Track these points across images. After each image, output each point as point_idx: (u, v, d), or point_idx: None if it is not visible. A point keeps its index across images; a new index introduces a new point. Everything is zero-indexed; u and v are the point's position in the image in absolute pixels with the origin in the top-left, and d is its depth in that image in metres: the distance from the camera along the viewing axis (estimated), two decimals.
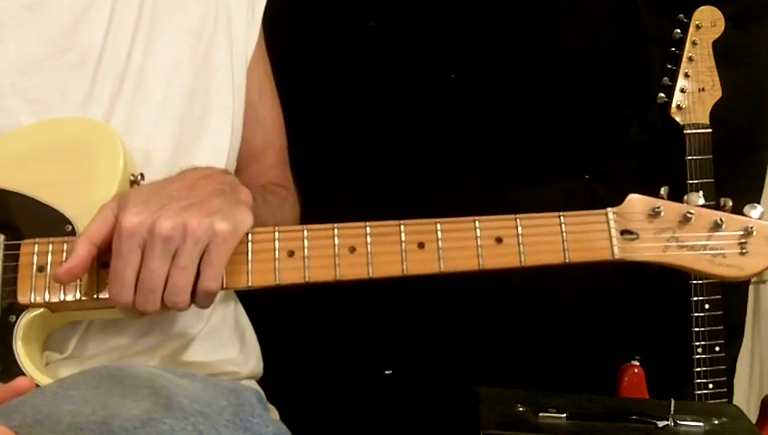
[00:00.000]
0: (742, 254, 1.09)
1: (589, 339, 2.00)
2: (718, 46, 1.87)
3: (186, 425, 0.79)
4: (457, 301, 1.95)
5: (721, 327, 1.87)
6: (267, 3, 1.36)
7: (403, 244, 1.06)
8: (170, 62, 1.22)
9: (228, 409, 0.84)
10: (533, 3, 1.89)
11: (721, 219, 1.09)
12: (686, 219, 1.09)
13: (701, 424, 1.47)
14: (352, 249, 1.06)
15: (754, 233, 1.09)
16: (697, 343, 1.87)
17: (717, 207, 1.11)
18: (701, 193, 1.11)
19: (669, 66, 1.89)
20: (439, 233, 1.07)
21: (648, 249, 1.10)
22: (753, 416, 1.86)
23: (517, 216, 1.08)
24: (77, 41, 1.16)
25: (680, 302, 1.89)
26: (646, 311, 2.00)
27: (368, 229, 1.06)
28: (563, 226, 1.08)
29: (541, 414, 1.48)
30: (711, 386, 1.87)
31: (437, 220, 1.07)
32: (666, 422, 1.46)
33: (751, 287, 2.13)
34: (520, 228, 1.08)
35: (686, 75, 1.87)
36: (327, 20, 1.88)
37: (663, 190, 1.11)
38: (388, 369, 1.98)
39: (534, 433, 1.45)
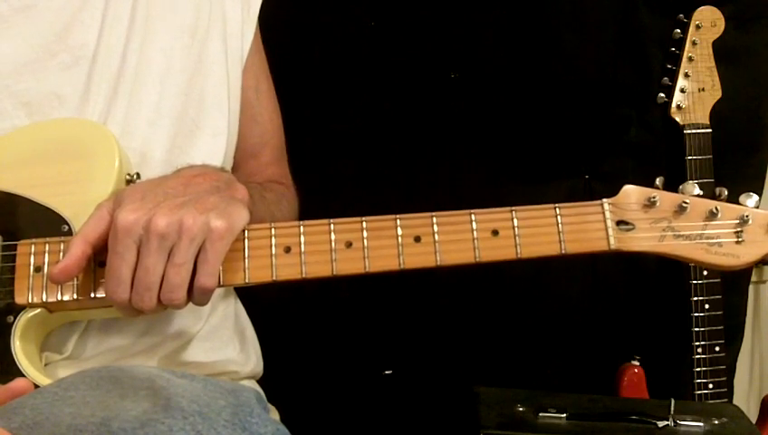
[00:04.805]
0: (738, 242, 1.09)
1: (589, 339, 2.00)
2: (718, 46, 1.87)
3: (184, 425, 0.79)
4: (457, 301, 1.95)
5: (721, 327, 1.87)
6: (268, 2, 1.36)
7: (399, 238, 1.06)
8: (164, 62, 1.22)
9: (227, 409, 0.84)
10: (534, 3, 1.89)
11: (716, 208, 1.09)
12: (681, 209, 1.09)
13: (701, 424, 1.46)
14: (349, 244, 1.06)
15: (750, 221, 1.09)
16: (697, 343, 1.86)
17: (713, 197, 1.10)
18: (696, 183, 1.11)
19: (669, 66, 1.89)
20: (435, 226, 1.07)
21: (645, 239, 1.09)
22: (753, 416, 1.86)
23: (513, 208, 1.08)
24: (69, 42, 1.16)
25: (680, 302, 1.89)
26: (646, 311, 2.00)
27: (364, 224, 1.06)
28: (559, 217, 1.08)
29: (541, 414, 1.48)
30: (711, 386, 1.87)
31: (433, 214, 1.07)
32: (666, 422, 1.46)
33: (751, 287, 2.14)
34: (516, 220, 1.08)
35: (686, 75, 1.87)
36: (327, 20, 1.88)
37: (658, 180, 1.11)
38: (388, 369, 1.98)
39: (534, 433, 1.45)
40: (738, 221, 1.09)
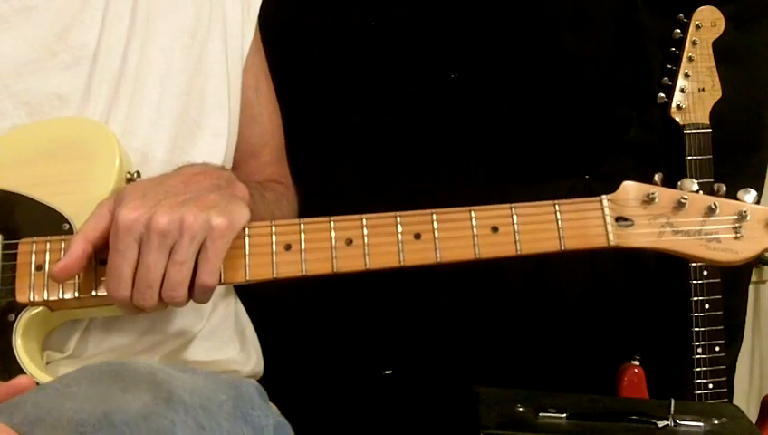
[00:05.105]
0: (736, 238, 1.09)
1: (589, 339, 2.00)
2: (718, 46, 1.87)
3: (186, 418, 0.79)
4: (457, 301, 1.95)
5: (721, 327, 1.87)
6: (268, 2, 1.36)
7: (399, 235, 1.07)
8: (165, 63, 1.22)
9: (228, 402, 0.84)
10: (533, 3, 1.89)
11: (715, 204, 1.09)
12: (680, 205, 1.09)
13: (701, 424, 1.47)
14: (349, 241, 1.06)
15: (748, 217, 1.09)
16: (697, 343, 1.87)
17: (711, 194, 1.11)
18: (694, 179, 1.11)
19: (669, 66, 1.89)
20: (435, 223, 1.07)
21: (644, 235, 1.09)
22: (753, 416, 1.86)
23: (512, 205, 1.08)
24: (70, 42, 1.16)
25: (680, 302, 1.89)
26: (646, 311, 2.00)
27: (364, 221, 1.07)
28: (558, 214, 1.08)
29: (541, 414, 1.48)
30: (711, 386, 1.87)
31: (433, 211, 1.08)
32: (666, 422, 1.46)
33: (751, 287, 2.14)
34: (515, 217, 1.08)
35: (686, 75, 1.87)
36: (327, 20, 1.88)
37: (657, 177, 1.11)
38: (388, 369, 1.98)
39: (534, 433, 1.45)
40: (736, 217, 1.09)
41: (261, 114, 1.39)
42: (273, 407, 1.28)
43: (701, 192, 1.11)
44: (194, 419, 0.79)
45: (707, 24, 1.85)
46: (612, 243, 1.09)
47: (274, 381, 1.36)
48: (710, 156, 1.85)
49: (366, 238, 1.06)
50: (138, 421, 0.77)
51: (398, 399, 1.98)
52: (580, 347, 2.01)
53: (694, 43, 1.86)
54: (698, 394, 1.87)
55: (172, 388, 0.81)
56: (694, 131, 1.86)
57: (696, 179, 1.74)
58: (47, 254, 1.05)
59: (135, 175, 1.11)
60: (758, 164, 2.00)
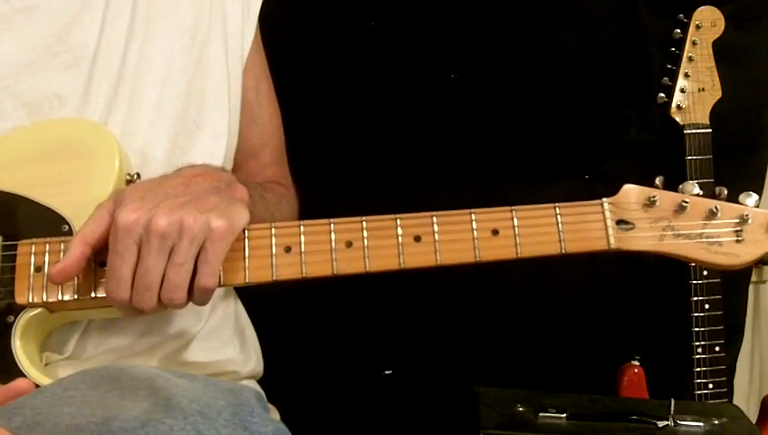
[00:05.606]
0: (738, 241, 1.09)
1: (589, 339, 2.00)
2: (718, 46, 1.87)
3: (185, 425, 0.79)
4: (457, 301, 1.95)
5: (721, 327, 1.87)
6: (268, 3, 1.36)
7: (399, 237, 1.06)
8: (165, 63, 1.22)
9: (227, 409, 0.84)
10: (533, 3, 1.89)
11: (716, 207, 1.09)
12: (681, 208, 1.09)
13: (701, 424, 1.47)
14: (349, 244, 1.06)
15: (750, 220, 1.09)
16: (697, 343, 1.87)
17: (713, 197, 1.10)
18: (695, 182, 1.11)
19: (669, 66, 1.89)
20: (435, 226, 1.07)
21: (644, 238, 1.09)
22: (753, 416, 1.86)
23: (513, 208, 1.08)
24: (70, 43, 1.16)
25: (680, 302, 1.89)
26: (646, 311, 2.00)
27: (364, 224, 1.07)
28: (559, 217, 1.08)
29: (541, 414, 1.48)
30: (711, 386, 1.87)
31: (434, 213, 1.07)
32: (666, 422, 1.46)
33: (751, 287, 2.14)
34: (516, 220, 1.08)
35: (686, 75, 1.87)
36: (327, 20, 1.88)
37: (658, 180, 1.11)
38: (388, 369, 1.98)
39: (534, 433, 1.45)
40: (738, 220, 1.09)
41: (261, 115, 1.39)
42: (274, 411, 1.29)
43: (702, 192, 1.11)
44: (192, 425, 0.79)
45: (707, 24, 1.85)
46: (613, 246, 1.09)
47: (274, 382, 1.37)
48: (710, 156, 1.85)
49: (366, 241, 1.06)
50: (135, 428, 0.77)
51: (398, 399, 1.98)
52: (580, 347, 2.01)
53: (694, 43, 1.85)
54: (698, 394, 1.87)
55: (171, 394, 0.81)
56: (694, 131, 1.86)
57: (696, 179, 1.76)
58: (46, 255, 1.05)
59: (135, 177, 1.11)
60: (758, 164, 2.00)
